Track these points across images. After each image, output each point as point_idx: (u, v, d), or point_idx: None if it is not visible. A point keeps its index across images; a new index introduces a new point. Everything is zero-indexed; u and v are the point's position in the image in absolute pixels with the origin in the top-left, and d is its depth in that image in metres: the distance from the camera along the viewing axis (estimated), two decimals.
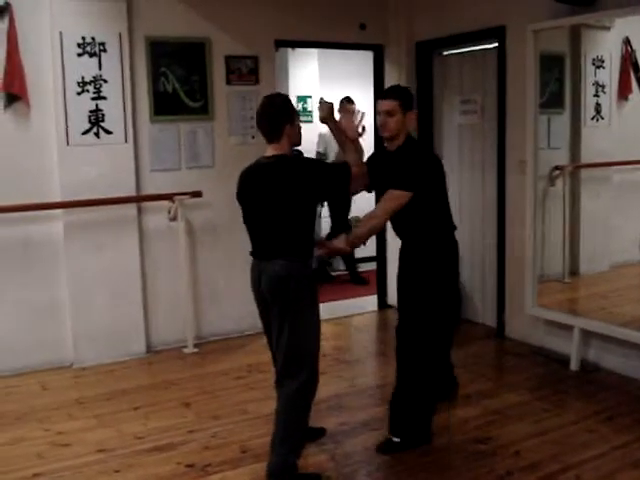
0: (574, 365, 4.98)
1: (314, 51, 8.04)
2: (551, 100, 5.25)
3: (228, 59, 5.73)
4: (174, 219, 5.44)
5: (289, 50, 7.74)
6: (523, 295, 5.33)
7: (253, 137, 5.82)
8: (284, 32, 5.93)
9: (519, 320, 5.55)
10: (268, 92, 5.76)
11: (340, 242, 3.60)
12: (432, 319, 3.79)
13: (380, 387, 4.78)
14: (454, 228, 3.94)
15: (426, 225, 3.81)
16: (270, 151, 3.43)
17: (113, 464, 3.73)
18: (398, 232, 4.00)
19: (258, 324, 3.63)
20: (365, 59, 6.91)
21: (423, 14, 6.23)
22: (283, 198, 3.34)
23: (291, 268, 3.35)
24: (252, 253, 3.53)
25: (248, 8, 5.72)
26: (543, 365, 5.12)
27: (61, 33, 5.06)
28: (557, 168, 5.34)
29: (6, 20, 4.93)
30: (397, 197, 3.61)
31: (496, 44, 5.58)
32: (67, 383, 5.04)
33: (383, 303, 6.81)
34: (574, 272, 5.45)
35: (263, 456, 3.64)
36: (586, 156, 5.35)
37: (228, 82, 5.76)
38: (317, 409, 4.10)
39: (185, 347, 5.60)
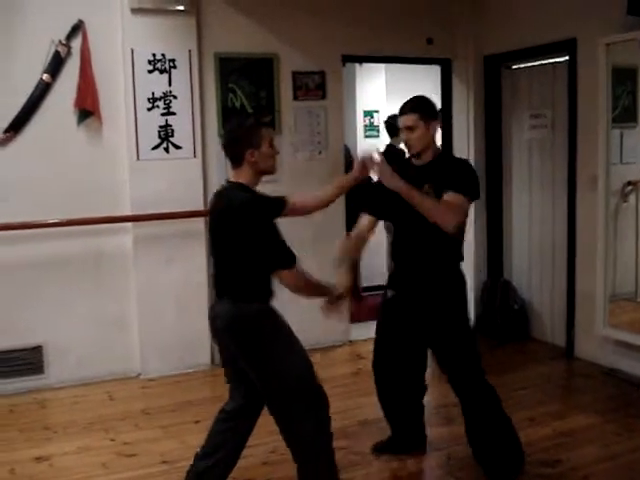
0: None
1: (381, 66, 8.03)
2: (623, 114, 5.11)
3: (295, 75, 5.77)
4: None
5: (356, 65, 7.75)
6: (594, 314, 5.19)
7: (320, 152, 5.85)
8: (351, 47, 5.94)
9: (589, 340, 5.40)
10: (335, 107, 5.94)
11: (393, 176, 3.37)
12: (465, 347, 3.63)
13: (444, 406, 4.69)
14: (462, 259, 3.71)
15: (443, 252, 3.55)
16: (232, 175, 3.18)
17: (176, 476, 3.74)
18: (401, 255, 3.71)
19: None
20: (433, 74, 6.86)
21: (491, 28, 6.17)
22: (225, 233, 3.09)
23: (237, 311, 3.08)
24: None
25: (316, 24, 5.76)
26: (614, 387, 4.97)
27: (132, 50, 5.17)
28: (630, 183, 5.20)
29: (79, 38, 5.08)
30: (461, 205, 3.38)
31: (566, 57, 5.48)
32: (134, 394, 5.12)
33: None
34: None
35: None
36: None
37: (295, 97, 5.79)
38: (379, 427, 4.10)
39: None
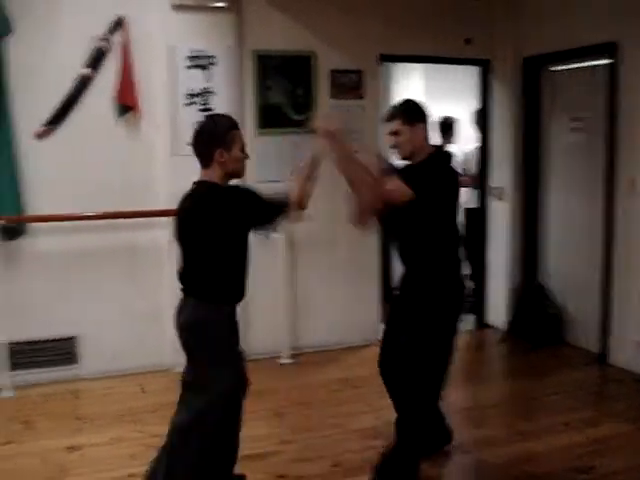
0: None
1: (419, 66, 7.99)
2: None
3: (333, 73, 5.78)
4: (275, 230, 5.49)
5: (394, 64, 7.71)
6: (629, 321, 5.12)
7: (355, 151, 5.82)
8: (389, 47, 5.93)
9: (623, 346, 5.33)
10: (372, 106, 5.92)
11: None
12: (417, 361, 3.49)
13: (475, 409, 4.69)
14: (459, 261, 3.63)
15: (429, 252, 3.51)
16: (201, 176, 3.19)
17: None
18: (401, 256, 3.66)
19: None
20: (471, 74, 6.82)
21: (531, 29, 6.10)
22: (202, 233, 3.08)
23: (197, 312, 3.13)
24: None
25: (354, 23, 5.76)
26: None
27: (173, 46, 5.21)
28: None
29: (120, 33, 5.13)
30: (398, 187, 3.32)
31: (607, 60, 5.41)
32: (165, 386, 5.13)
33: (481, 322, 6.70)
34: None
35: (354, 471, 3.66)
36: None
37: (332, 96, 5.80)
38: None
39: (280, 357, 5.65)
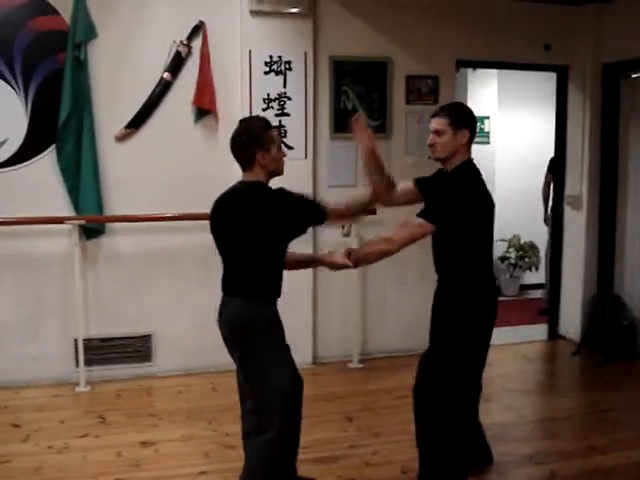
0: None
1: (494, 71, 7.93)
2: None
3: (409, 79, 5.77)
4: (347, 235, 5.52)
5: (469, 70, 7.67)
6: None
7: (430, 157, 5.79)
8: (466, 52, 5.89)
9: None
10: None
11: (341, 257, 3.39)
12: (449, 377, 3.43)
13: (548, 420, 4.62)
14: (493, 279, 3.55)
15: (460, 267, 3.45)
16: (244, 178, 3.24)
17: None
18: (435, 267, 3.64)
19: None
20: (547, 81, 6.73)
21: (612, 35, 5.98)
22: (246, 229, 3.11)
23: (247, 310, 3.12)
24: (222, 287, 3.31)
25: (431, 28, 5.74)
26: None
27: (250, 51, 5.29)
28: None
29: (200, 38, 5.23)
30: (419, 226, 3.32)
31: None
32: (236, 386, 5.20)
33: (554, 332, 6.58)
34: None
35: None
36: None
37: (407, 101, 5.79)
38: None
39: (350, 362, 5.66)
